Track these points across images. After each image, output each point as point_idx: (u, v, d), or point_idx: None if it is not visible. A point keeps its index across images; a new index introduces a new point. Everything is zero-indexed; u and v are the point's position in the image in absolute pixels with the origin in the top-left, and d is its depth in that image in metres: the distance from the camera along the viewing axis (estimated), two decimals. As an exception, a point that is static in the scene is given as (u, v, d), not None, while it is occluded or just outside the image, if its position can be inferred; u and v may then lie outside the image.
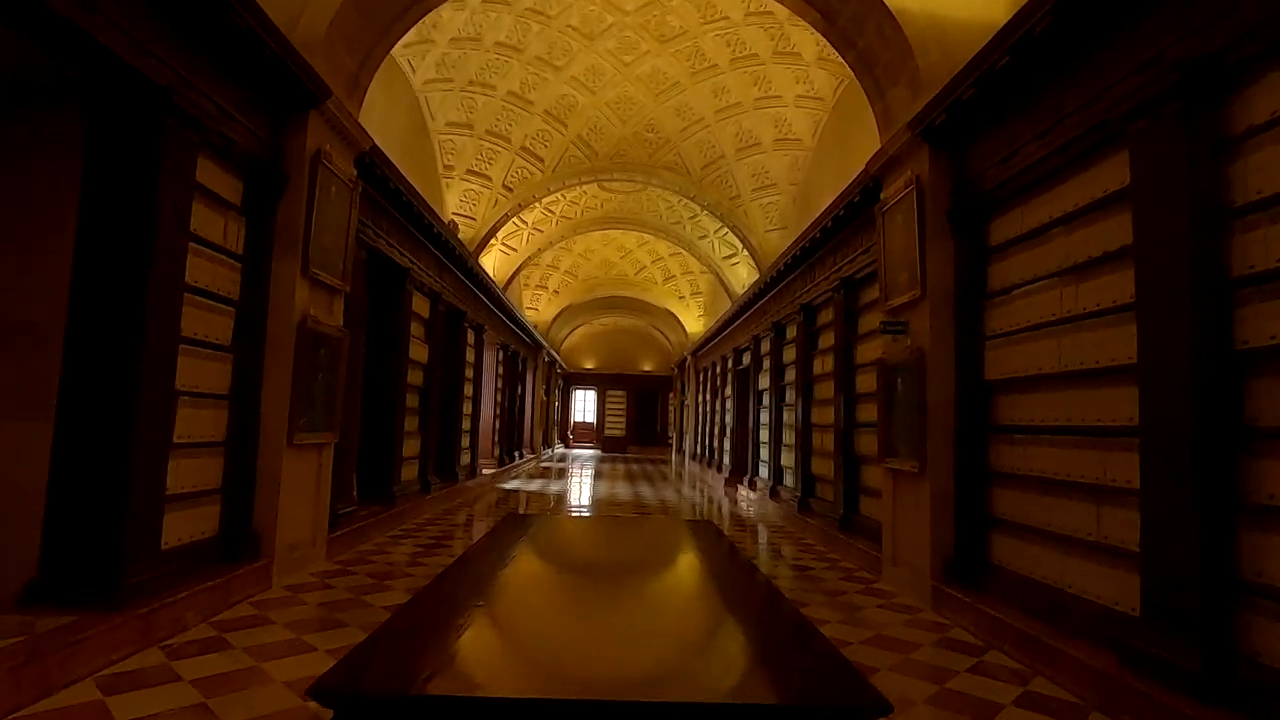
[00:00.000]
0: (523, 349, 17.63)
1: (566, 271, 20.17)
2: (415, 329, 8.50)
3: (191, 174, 3.90)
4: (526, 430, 19.04)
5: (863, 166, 6.03)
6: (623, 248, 19.37)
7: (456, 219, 11.28)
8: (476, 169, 11.02)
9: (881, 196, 5.70)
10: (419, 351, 8.66)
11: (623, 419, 31.27)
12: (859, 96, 8.42)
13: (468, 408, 11.64)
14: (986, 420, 4.64)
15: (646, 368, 31.38)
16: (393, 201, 6.92)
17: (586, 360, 31.56)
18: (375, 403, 7.57)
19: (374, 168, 6.09)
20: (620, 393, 31.42)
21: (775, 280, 9.80)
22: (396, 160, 8.27)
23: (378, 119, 8.12)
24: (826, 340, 8.22)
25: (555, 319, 21.72)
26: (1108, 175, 3.60)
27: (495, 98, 10.10)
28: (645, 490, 12.78)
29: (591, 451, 28.30)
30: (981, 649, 3.88)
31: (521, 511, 9.16)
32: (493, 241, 13.55)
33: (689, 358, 21.28)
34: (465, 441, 11.48)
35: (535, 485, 12.76)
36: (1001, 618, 3.91)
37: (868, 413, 6.72)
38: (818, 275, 8.21)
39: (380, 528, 6.87)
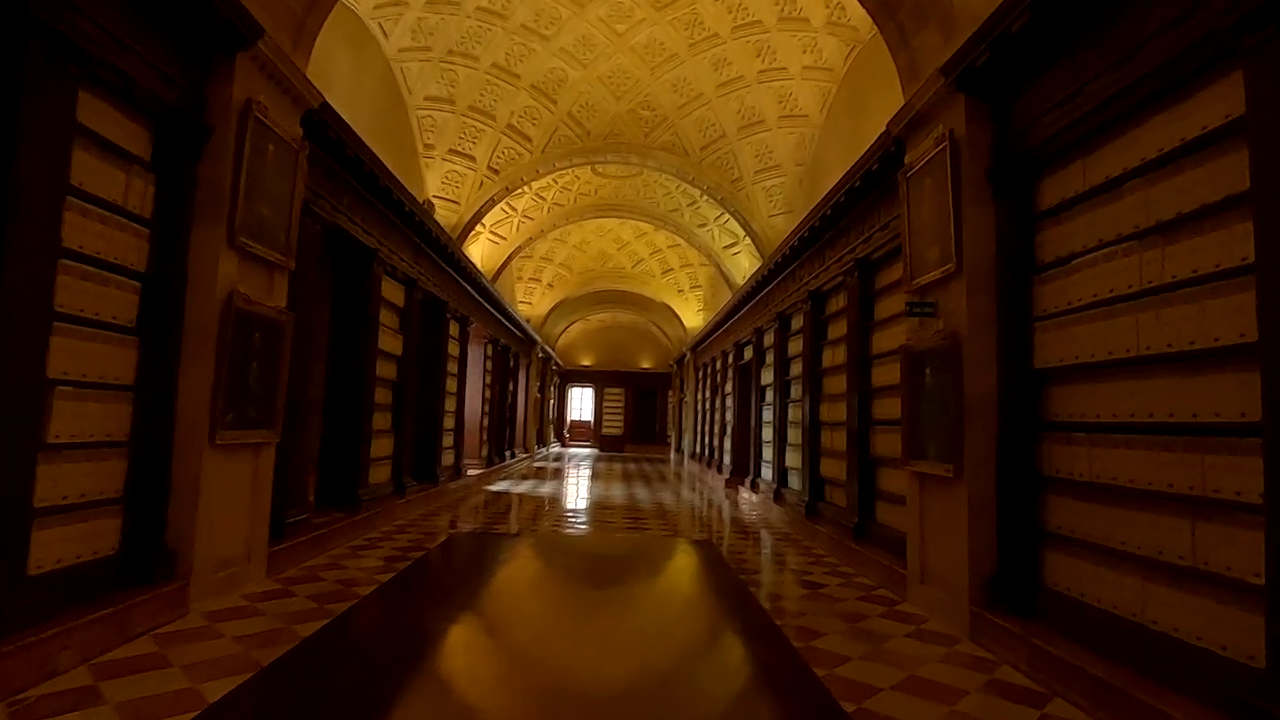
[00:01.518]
0: (514, 344, 16.91)
1: (561, 264, 19.47)
2: (387, 318, 7.77)
3: (69, 113, 3.17)
4: (519, 429, 18.33)
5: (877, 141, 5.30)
6: (619, 239, 18.67)
7: (437, 202, 10.55)
8: (459, 148, 10.29)
9: (906, 160, 4.97)
10: (391, 342, 7.93)
11: (621, 417, 30.57)
12: (874, 63, 7.71)
13: (451, 404, 10.92)
14: (1037, 415, 3.91)
15: (645, 365, 30.69)
16: (354, 173, 6.19)
17: (583, 357, 30.86)
18: (339, 398, 6.85)
19: (326, 129, 5.36)
20: (618, 390, 30.73)
21: (780, 267, 9.07)
22: (367, 135, 7.55)
23: (344, 87, 7.40)
24: (838, 329, 7.50)
25: (550, 313, 21.01)
26: (1207, 107, 2.87)
27: (478, 70, 9.37)
28: (641, 493, 12.06)
29: (589, 450, 27.60)
30: (1043, 697, 3.16)
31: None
32: (479, 228, 12.83)
33: (688, 354, 20.56)
34: (448, 440, 10.76)
35: (524, 487, 12.05)
36: (1065, 657, 3.18)
37: (885, 409, 6.00)
38: (828, 259, 7.48)
39: (341, 537, 6.15)
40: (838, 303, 7.54)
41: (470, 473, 12.04)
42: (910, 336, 4.83)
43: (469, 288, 11.29)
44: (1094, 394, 3.49)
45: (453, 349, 10.90)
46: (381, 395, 7.74)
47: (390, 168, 6.84)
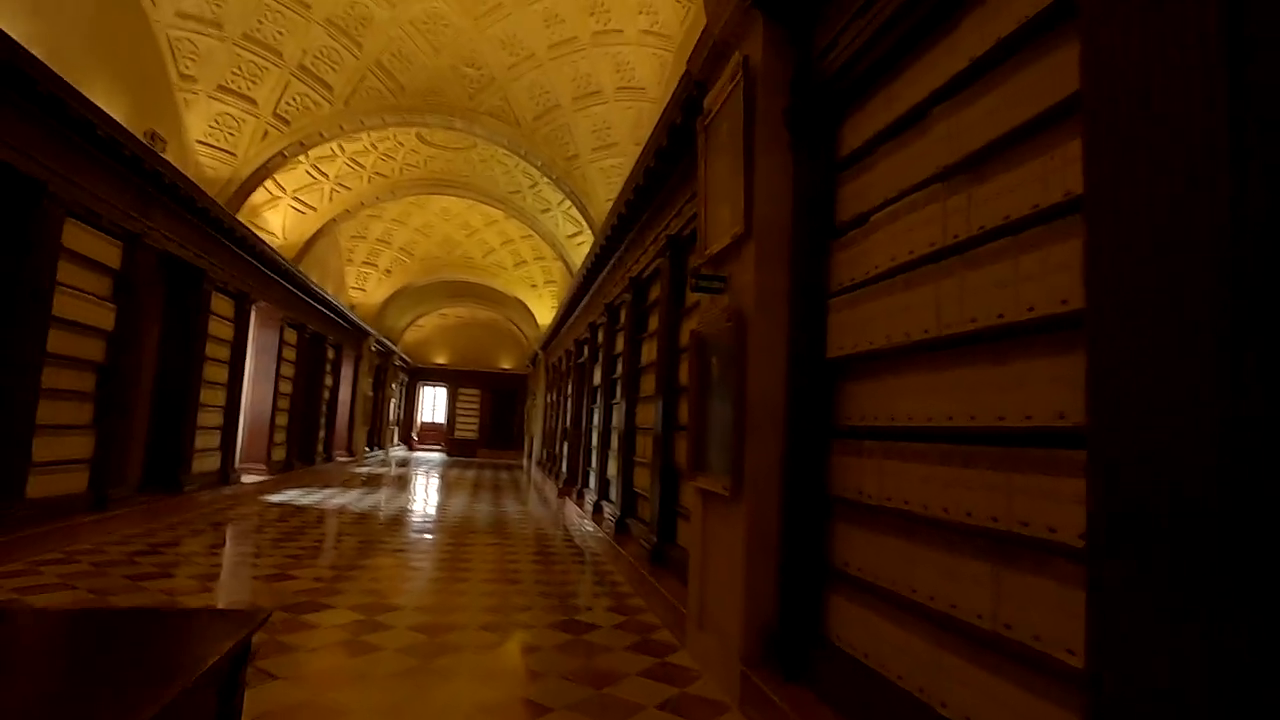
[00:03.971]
0: (334, 333, 14.92)
1: (401, 249, 17.62)
2: (79, 278, 5.96)
3: None
4: (340, 429, 16.26)
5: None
6: (467, 225, 17.12)
7: (205, 150, 8.67)
8: (233, 87, 8.48)
9: (705, 104, 4.07)
10: (90, 312, 6.11)
11: (476, 420, 28.78)
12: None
13: (216, 396, 9.03)
14: (829, 418, 3.06)
15: (505, 365, 29.10)
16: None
17: (438, 354, 28.82)
18: (-24, 379, 5.02)
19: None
20: (474, 391, 28.92)
21: (606, 252, 8.11)
22: (79, 49, 5.82)
23: (21, -34, 5.57)
24: (655, 321, 6.59)
25: (388, 302, 19.03)
26: (1030, -10, 2.07)
27: (252, -11, 7.69)
28: (456, 505, 10.67)
29: (437, 455, 25.57)
30: (799, 814, 2.23)
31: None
32: (274, 191, 10.95)
33: (540, 353, 19.35)
34: (208, 440, 8.86)
35: (315, 498, 10.27)
36: (834, 752, 2.28)
37: (684, 409, 5.11)
38: (647, 240, 6.56)
39: (-57, 573, 4.37)
40: (656, 290, 6.65)
41: (249, 479, 10.11)
42: (701, 319, 3.92)
43: (250, 259, 9.44)
44: (888, 390, 2.66)
45: (220, 330, 9.02)
46: (69, 379, 5.92)
47: (118, 95, 5.17)
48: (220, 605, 4.37)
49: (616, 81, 8.82)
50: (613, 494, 8.17)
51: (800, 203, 3.27)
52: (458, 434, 28.08)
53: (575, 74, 8.98)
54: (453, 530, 7.99)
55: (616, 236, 7.39)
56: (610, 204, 9.87)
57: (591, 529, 7.87)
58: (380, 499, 10.79)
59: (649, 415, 6.41)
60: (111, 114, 5.97)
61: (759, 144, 3.37)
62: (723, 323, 3.49)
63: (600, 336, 9.61)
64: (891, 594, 2.51)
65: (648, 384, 6.73)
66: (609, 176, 9.85)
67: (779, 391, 3.24)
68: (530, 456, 22.23)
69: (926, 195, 2.47)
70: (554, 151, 9.99)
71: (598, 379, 9.65)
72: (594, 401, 10.06)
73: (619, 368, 8.22)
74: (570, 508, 10.20)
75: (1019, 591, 1.94)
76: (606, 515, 7.82)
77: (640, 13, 7.89)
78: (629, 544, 6.27)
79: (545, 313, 19.12)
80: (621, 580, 5.64)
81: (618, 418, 8.04)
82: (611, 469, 8.30)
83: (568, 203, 12.19)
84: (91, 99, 5.55)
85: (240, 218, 9.43)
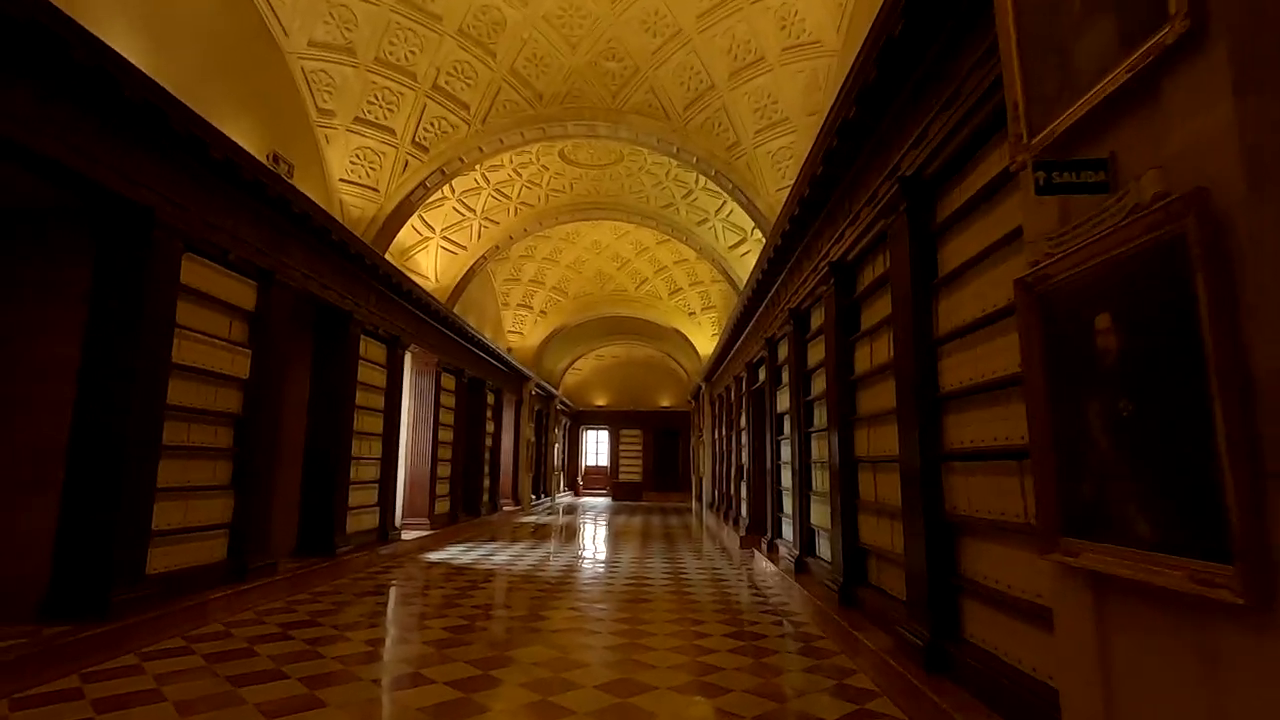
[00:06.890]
0: (493, 378, 14.47)
1: (554, 288, 17.15)
2: (204, 321, 5.37)
3: None
4: (505, 477, 15.74)
5: None
6: (618, 256, 16.29)
7: (348, 188, 8.27)
8: (369, 117, 8.03)
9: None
10: (218, 359, 5.50)
11: (639, 462, 27.82)
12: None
13: (370, 448, 8.44)
14: None
15: (665, 403, 28.04)
16: (57, 71, 3.85)
17: (597, 396, 28.39)
18: (86, 441, 4.39)
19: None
20: (635, 432, 28.06)
21: (790, 239, 6.47)
22: (193, 79, 5.40)
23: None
24: (876, 311, 4.84)
25: (545, 344, 18.60)
26: None
27: (381, 6, 7.15)
28: (627, 557, 9.31)
29: (603, 500, 24.79)
30: None
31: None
32: (423, 231, 10.55)
33: (703, 386, 17.90)
34: (363, 497, 8.24)
35: (476, 554, 9.38)
36: None
37: (969, 427, 3.29)
38: (856, 201, 4.85)
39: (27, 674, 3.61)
40: (873, 269, 4.90)
41: (409, 536, 9.46)
42: (1047, 253, 2.14)
43: (399, 298, 8.92)
44: None
45: (372, 376, 8.48)
46: (199, 434, 5.29)
47: (251, 130, 4.59)
48: (327, 729, 3.17)
49: (782, 41, 7.29)
50: (822, 549, 6.36)
51: (1335, -63, 1.47)
52: (622, 477, 27.24)
53: (731, 43, 7.59)
54: (626, 597, 6.56)
55: (808, 210, 5.74)
56: (782, 193, 8.25)
57: (799, 594, 6.07)
58: (544, 554, 9.70)
59: (881, 442, 4.61)
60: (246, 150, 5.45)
61: None
62: (1134, 239, 1.72)
63: (782, 352, 7.94)
64: None
65: (870, 398, 4.94)
66: (778, 161, 8.27)
67: (1338, 359, 1.41)
68: (699, 498, 20.68)
69: None
70: (711, 142, 8.61)
71: (784, 404, 7.94)
72: (780, 432, 8.33)
73: (816, 385, 6.48)
74: (759, 561, 8.44)
75: None
76: (818, 575, 6.02)
77: (810, -58, 6.35)
78: (867, 628, 4.44)
79: (705, 341, 17.72)
80: (875, 689, 3.82)
81: (820, 450, 6.28)
82: (816, 516, 6.49)
83: (727, 209, 10.77)
84: (223, 133, 5.00)
85: (390, 259, 8.99)
